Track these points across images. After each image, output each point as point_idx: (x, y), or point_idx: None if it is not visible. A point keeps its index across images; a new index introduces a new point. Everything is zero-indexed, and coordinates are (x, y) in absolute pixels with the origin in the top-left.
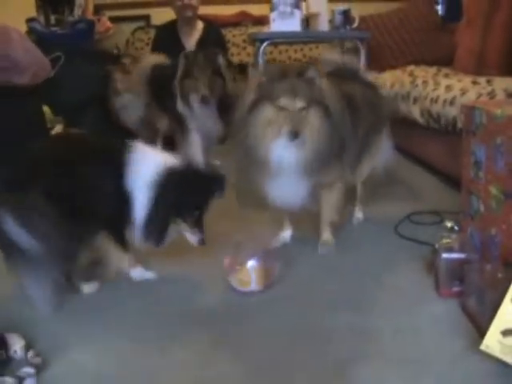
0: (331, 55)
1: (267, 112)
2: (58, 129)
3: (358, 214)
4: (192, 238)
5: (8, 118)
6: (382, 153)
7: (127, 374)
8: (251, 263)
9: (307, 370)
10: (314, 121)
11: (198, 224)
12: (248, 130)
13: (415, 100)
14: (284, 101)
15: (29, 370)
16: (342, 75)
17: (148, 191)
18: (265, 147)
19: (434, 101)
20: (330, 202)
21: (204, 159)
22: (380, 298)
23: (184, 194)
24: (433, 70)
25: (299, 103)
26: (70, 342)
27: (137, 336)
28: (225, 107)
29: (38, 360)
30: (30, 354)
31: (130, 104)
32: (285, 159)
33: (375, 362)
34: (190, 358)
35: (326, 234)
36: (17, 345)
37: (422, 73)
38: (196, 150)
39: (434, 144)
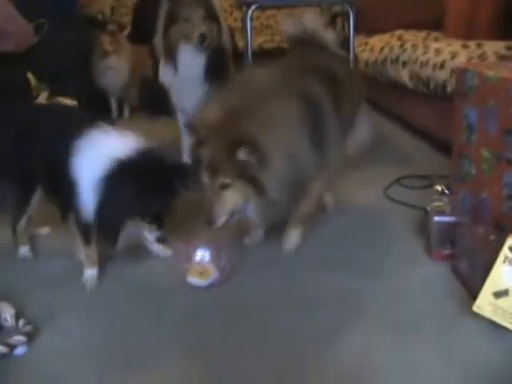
0: (293, 26)
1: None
2: (43, 96)
3: (328, 199)
4: (150, 235)
5: None
6: (362, 132)
7: (115, 341)
8: (201, 253)
9: (297, 333)
10: (238, 198)
11: (157, 220)
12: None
13: (404, 64)
14: (204, 178)
15: (20, 337)
16: (310, 52)
17: (95, 185)
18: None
19: (424, 64)
20: (308, 199)
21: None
22: (370, 261)
23: (137, 191)
24: (422, 34)
25: (219, 180)
26: (59, 311)
27: (125, 305)
28: (218, 63)
29: (28, 328)
30: (21, 322)
31: (117, 66)
32: None
33: (365, 323)
34: (177, 325)
35: (294, 234)
36: (7, 313)
37: (412, 37)
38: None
39: (422, 108)
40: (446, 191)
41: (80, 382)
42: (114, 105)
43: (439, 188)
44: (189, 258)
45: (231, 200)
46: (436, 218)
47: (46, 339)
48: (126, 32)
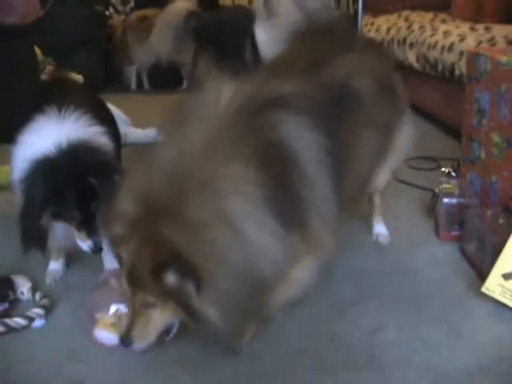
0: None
1: None
2: (48, 70)
3: (380, 229)
4: (82, 244)
5: None
6: (405, 145)
7: None
8: (114, 307)
9: (307, 311)
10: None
11: (87, 226)
12: None
13: (411, 45)
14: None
15: (38, 310)
16: (324, 41)
17: (19, 181)
18: None
19: (432, 46)
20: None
21: None
22: None
23: (54, 189)
24: (429, 15)
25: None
26: (75, 284)
27: None
28: None
29: (45, 301)
30: (37, 295)
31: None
32: None
33: (375, 301)
34: None
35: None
36: (23, 287)
37: (419, 18)
38: None
39: (429, 90)
40: (453, 173)
41: (97, 355)
42: (133, 77)
43: (446, 170)
44: (101, 310)
45: (157, 321)
46: (445, 200)
47: (62, 312)
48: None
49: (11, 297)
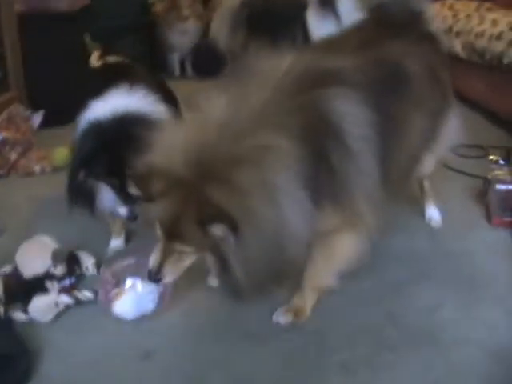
0: None
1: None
2: (95, 55)
3: (432, 213)
4: (120, 209)
5: (49, 45)
6: (451, 133)
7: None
8: (131, 282)
9: (365, 290)
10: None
11: (124, 193)
12: None
13: (458, 34)
14: (159, 234)
15: (88, 294)
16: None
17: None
18: None
19: (479, 35)
20: (328, 257)
21: None
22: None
23: (94, 149)
24: (474, 4)
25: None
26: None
27: None
28: None
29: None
30: (101, 270)
31: (192, 29)
32: None
33: (430, 282)
34: None
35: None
36: (88, 262)
37: (463, 7)
38: None
39: (475, 79)
40: (501, 161)
41: (164, 327)
42: (177, 64)
43: (494, 158)
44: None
45: (186, 263)
46: (497, 186)
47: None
48: None
49: (77, 271)
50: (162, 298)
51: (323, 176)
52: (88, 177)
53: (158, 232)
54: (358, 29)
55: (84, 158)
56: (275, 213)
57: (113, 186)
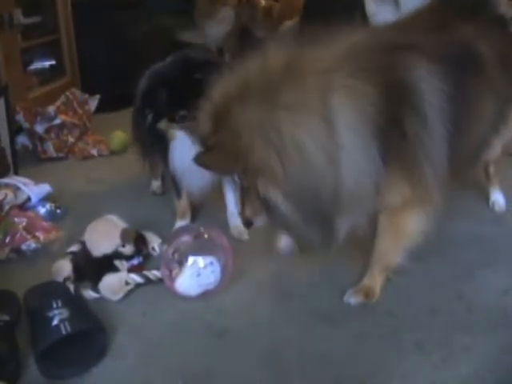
0: None
1: None
2: None
3: (496, 197)
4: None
5: (101, 32)
6: None
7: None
8: (192, 259)
9: (435, 273)
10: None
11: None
12: None
13: None
14: None
15: (157, 273)
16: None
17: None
18: None
19: None
20: (396, 233)
21: None
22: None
23: (156, 86)
24: None
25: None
26: None
27: None
28: None
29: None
30: None
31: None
32: None
33: (501, 264)
34: None
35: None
36: (155, 242)
37: None
38: None
39: None
40: None
41: (235, 306)
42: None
43: None
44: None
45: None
46: None
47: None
48: None
49: (144, 251)
50: (223, 271)
51: (394, 137)
52: (154, 117)
53: (241, 178)
54: (427, 12)
55: (145, 94)
56: (332, 152)
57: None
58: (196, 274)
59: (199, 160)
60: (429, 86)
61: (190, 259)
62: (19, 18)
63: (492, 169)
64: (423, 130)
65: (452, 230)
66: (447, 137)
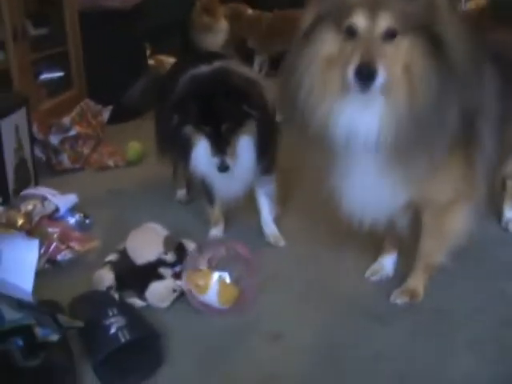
0: None
1: (329, 43)
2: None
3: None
4: (213, 160)
5: (104, 43)
6: None
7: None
8: (217, 274)
9: (478, 271)
10: (411, 58)
11: (216, 143)
12: (299, 77)
13: None
14: (358, 19)
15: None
16: None
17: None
18: (323, 109)
19: None
20: (441, 233)
21: None
22: None
23: (191, 96)
24: None
25: (384, 23)
26: None
27: None
28: None
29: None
30: None
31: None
32: (357, 130)
33: None
34: None
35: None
36: (191, 248)
37: None
38: None
39: None
40: None
41: (289, 311)
42: None
43: None
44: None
45: (400, 58)
46: None
47: None
48: None
49: (184, 257)
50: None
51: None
52: (181, 123)
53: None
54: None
55: (178, 103)
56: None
57: (206, 134)
58: (220, 293)
59: None
60: (494, 77)
61: (215, 274)
62: (30, 29)
63: (510, 184)
64: (485, 119)
65: (485, 229)
66: (497, 134)
